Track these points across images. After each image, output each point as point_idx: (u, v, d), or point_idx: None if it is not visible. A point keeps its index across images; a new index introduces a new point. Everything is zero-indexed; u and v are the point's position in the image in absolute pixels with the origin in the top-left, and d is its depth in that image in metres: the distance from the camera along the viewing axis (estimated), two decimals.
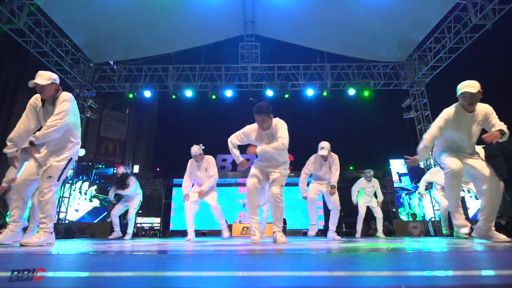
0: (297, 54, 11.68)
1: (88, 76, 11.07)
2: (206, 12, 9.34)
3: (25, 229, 3.70)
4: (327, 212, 17.08)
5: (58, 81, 3.08)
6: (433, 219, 9.99)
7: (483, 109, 3.06)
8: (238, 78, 11.37)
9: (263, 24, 10.41)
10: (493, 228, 3.02)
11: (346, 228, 13.89)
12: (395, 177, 13.27)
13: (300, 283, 0.88)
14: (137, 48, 10.72)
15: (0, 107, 29.82)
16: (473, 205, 10.26)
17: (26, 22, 8.41)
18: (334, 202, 4.95)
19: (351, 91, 11.13)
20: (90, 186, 12.50)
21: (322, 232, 15.71)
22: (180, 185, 19.01)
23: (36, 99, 3.05)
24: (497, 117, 3.03)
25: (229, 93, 11.07)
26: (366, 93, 11.06)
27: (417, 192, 12.39)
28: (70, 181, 10.44)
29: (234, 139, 3.54)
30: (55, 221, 4.53)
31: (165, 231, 16.57)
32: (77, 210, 11.56)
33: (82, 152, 12.32)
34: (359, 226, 7.27)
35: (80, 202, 11.88)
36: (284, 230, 9.36)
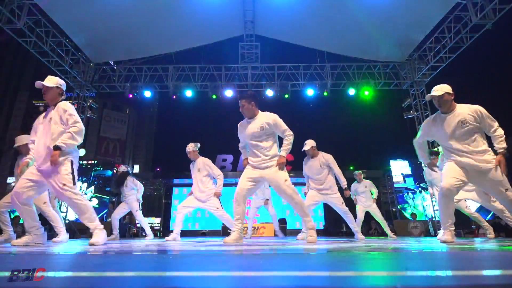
0: (297, 54, 11.68)
1: (88, 76, 11.07)
2: (206, 12, 9.34)
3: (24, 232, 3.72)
4: (327, 212, 17.11)
5: (64, 88, 3.23)
6: (433, 219, 9.99)
7: (466, 109, 3.07)
8: (238, 78, 11.38)
9: (263, 24, 10.41)
10: None
11: (346, 228, 13.88)
12: (399, 178, 13.76)
13: (300, 283, 0.88)
14: (137, 48, 10.72)
15: (1, 106, 29.83)
16: (473, 205, 10.27)
17: (26, 22, 8.42)
18: (341, 209, 4.89)
19: (351, 91, 11.13)
20: (88, 186, 12.62)
21: (322, 232, 15.73)
22: (180, 185, 19.03)
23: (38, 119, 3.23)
24: (489, 119, 3.02)
25: (229, 93, 11.07)
26: (367, 92, 11.05)
27: (418, 191, 13.20)
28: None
29: (241, 143, 3.71)
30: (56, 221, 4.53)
31: (165, 231, 16.58)
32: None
33: (82, 152, 12.35)
34: (358, 228, 7.19)
35: None
36: (284, 230, 9.36)
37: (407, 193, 13.57)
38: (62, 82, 3.22)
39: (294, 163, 15.14)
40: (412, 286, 0.84)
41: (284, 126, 3.44)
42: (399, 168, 13.92)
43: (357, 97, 11.28)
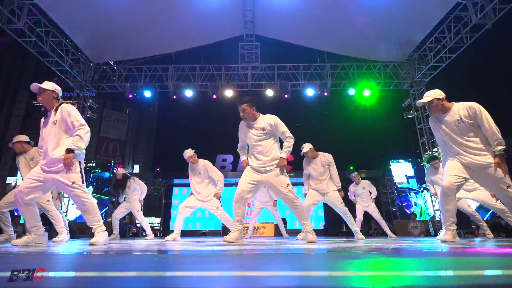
0: (297, 54, 11.68)
1: (88, 76, 11.07)
2: (206, 12, 9.34)
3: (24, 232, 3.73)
4: (327, 212, 17.11)
5: (60, 93, 3.26)
6: (433, 219, 9.99)
7: (461, 107, 3.08)
8: (238, 78, 11.37)
9: (263, 24, 10.41)
10: None
11: (346, 228, 13.87)
12: (403, 179, 14.68)
13: (300, 283, 0.88)
14: (137, 48, 10.72)
15: (1, 106, 29.82)
16: (472, 204, 10.36)
17: (26, 22, 8.41)
18: (340, 209, 4.94)
19: (351, 91, 11.13)
20: (87, 187, 12.90)
21: (322, 232, 15.73)
22: (180, 185, 18.99)
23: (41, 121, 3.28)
24: (485, 119, 2.95)
25: (229, 93, 11.06)
26: (368, 92, 11.05)
27: (420, 191, 14.17)
28: None
29: (239, 143, 3.69)
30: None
31: (165, 231, 16.59)
32: (77, 208, 11.80)
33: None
34: (358, 228, 7.19)
35: None
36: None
37: (410, 193, 14.55)
38: (58, 88, 3.26)
39: (294, 163, 15.12)
40: (413, 286, 0.84)
41: (284, 127, 3.45)
42: (401, 170, 14.81)
43: (357, 97, 11.28)
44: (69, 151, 2.97)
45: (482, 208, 9.62)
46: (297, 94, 11.59)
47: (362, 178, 7.11)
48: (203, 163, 5.25)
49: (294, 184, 3.57)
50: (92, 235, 3.08)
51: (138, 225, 14.06)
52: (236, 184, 3.61)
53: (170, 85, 11.10)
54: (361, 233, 5.26)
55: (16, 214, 8.47)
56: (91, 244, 2.91)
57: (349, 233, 11.35)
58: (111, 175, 15.59)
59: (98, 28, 9.39)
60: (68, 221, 9.59)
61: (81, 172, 3.11)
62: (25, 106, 29.52)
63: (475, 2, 7.99)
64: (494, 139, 2.91)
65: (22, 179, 4.50)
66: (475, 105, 3.03)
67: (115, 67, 11.65)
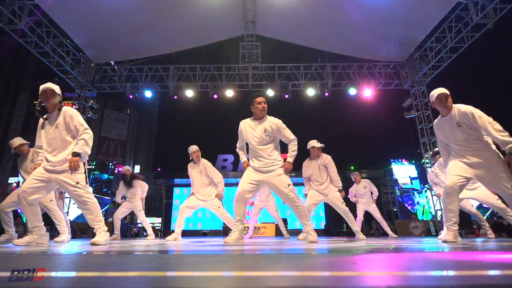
0: (297, 54, 11.67)
1: (89, 76, 11.09)
2: (207, 12, 9.34)
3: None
4: (328, 212, 17.10)
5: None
6: (434, 219, 9.98)
7: (458, 113, 3.06)
8: (238, 78, 11.37)
9: (263, 23, 10.41)
10: None
11: (347, 228, 13.87)
12: (407, 180, 15.70)
13: (301, 283, 0.88)
14: (137, 48, 10.73)
15: (2, 107, 29.89)
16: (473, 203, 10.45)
17: (27, 23, 8.43)
18: (341, 209, 4.96)
19: (352, 91, 11.12)
20: None
21: (323, 232, 15.72)
22: (180, 185, 19.01)
23: (40, 121, 3.27)
24: (482, 124, 2.88)
25: (229, 93, 11.07)
26: (368, 92, 11.04)
27: (423, 191, 15.08)
28: None
29: (238, 144, 3.69)
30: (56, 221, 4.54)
31: (166, 231, 16.61)
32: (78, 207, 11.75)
33: None
34: (358, 228, 7.17)
35: None
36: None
37: (413, 193, 15.42)
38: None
39: (295, 164, 15.11)
40: (413, 286, 0.84)
41: (288, 131, 3.49)
42: (405, 171, 15.91)
43: (358, 97, 11.27)
44: (75, 154, 3.03)
45: (481, 208, 9.61)
46: (298, 94, 11.59)
47: (362, 178, 7.10)
48: (203, 163, 5.27)
49: (295, 184, 3.57)
50: (93, 235, 3.08)
51: (139, 225, 14.08)
52: (237, 184, 3.61)
53: (171, 85, 11.11)
54: (362, 233, 5.26)
55: (19, 211, 8.49)
56: (93, 244, 2.92)
57: (350, 233, 11.35)
58: (110, 176, 15.65)
59: (99, 28, 9.40)
60: (69, 221, 9.63)
61: (85, 172, 3.14)
62: (26, 106, 29.58)
63: (476, 2, 7.98)
64: (499, 141, 2.83)
65: (24, 180, 4.53)
66: (468, 111, 2.98)
67: (116, 68, 11.66)
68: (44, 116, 3.19)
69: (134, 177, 6.55)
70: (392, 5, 8.53)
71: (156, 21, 9.48)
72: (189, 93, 11.04)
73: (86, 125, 3.17)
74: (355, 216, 5.77)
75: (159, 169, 25.29)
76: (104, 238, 3.03)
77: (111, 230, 6.86)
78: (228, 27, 10.52)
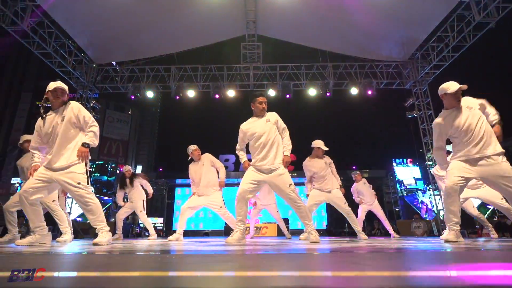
0: (299, 53, 11.67)
1: (91, 77, 11.13)
2: (208, 12, 9.35)
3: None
4: (330, 212, 17.07)
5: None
6: (437, 219, 9.94)
7: (466, 100, 3.21)
8: (240, 78, 11.38)
9: (265, 23, 10.40)
10: None
11: (349, 228, 13.84)
12: (411, 181, 16.55)
13: (302, 283, 0.88)
14: (139, 49, 10.76)
15: (4, 107, 30.03)
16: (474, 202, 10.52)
17: (30, 24, 8.47)
18: (344, 209, 4.99)
19: (354, 91, 11.10)
20: None
21: (325, 232, 15.69)
22: (182, 185, 19.00)
23: (39, 121, 3.26)
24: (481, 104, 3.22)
25: (231, 93, 11.07)
26: (370, 92, 11.01)
27: (427, 191, 15.78)
28: None
29: (239, 146, 3.68)
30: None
31: (168, 231, 16.63)
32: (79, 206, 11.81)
33: None
34: (360, 228, 7.14)
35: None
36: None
37: (417, 191, 16.34)
38: None
39: (296, 163, 15.11)
40: (413, 286, 0.84)
41: (283, 123, 3.59)
42: (409, 173, 16.73)
43: (360, 96, 11.24)
44: (86, 145, 3.07)
45: (482, 207, 9.57)
46: (299, 94, 11.58)
47: (363, 177, 7.09)
48: (205, 155, 5.32)
49: (296, 184, 3.57)
50: (95, 235, 3.09)
51: (141, 225, 14.11)
52: (238, 184, 3.60)
53: (173, 86, 11.13)
54: (363, 233, 5.25)
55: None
56: (95, 244, 2.93)
57: (352, 233, 11.33)
58: (110, 178, 15.69)
59: (100, 29, 9.43)
60: (72, 220, 9.67)
61: (86, 173, 3.13)
62: (28, 107, 29.69)
63: (478, 1, 7.94)
64: (493, 117, 3.18)
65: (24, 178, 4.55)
66: (471, 98, 3.22)
67: (117, 68, 11.70)
68: (44, 116, 3.18)
69: (134, 176, 6.56)
70: (394, 4, 8.51)
71: (158, 21, 9.49)
72: (191, 93, 11.06)
73: (93, 118, 3.23)
74: (356, 215, 5.76)
75: (160, 169, 25.33)
76: (106, 238, 3.03)
77: (113, 231, 6.89)
78: (229, 27, 10.52)
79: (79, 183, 3.02)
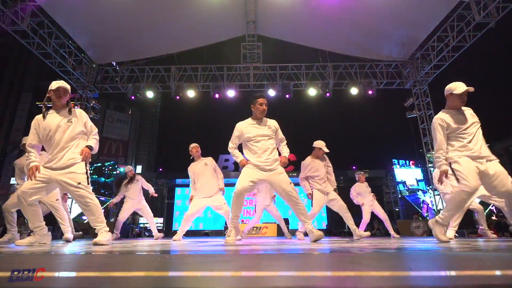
0: (299, 53, 11.68)
1: (91, 77, 11.13)
2: (208, 12, 9.35)
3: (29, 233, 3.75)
4: (330, 212, 17.06)
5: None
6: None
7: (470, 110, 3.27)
8: (240, 78, 11.38)
9: (265, 24, 10.41)
10: None
11: (349, 228, 13.85)
12: (413, 181, 17.10)
13: (301, 283, 0.88)
14: (139, 49, 10.76)
15: (5, 107, 30.04)
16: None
17: (30, 24, 8.47)
18: (340, 206, 5.02)
19: (354, 91, 11.10)
20: None
21: (325, 232, 15.68)
22: (182, 185, 18.97)
23: (37, 119, 3.26)
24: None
25: (231, 93, 11.07)
26: (370, 92, 11.01)
27: (428, 191, 16.25)
28: None
29: (233, 144, 3.64)
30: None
31: (168, 231, 16.62)
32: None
33: None
34: (362, 227, 7.14)
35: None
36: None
37: (418, 191, 17.00)
38: None
39: (296, 163, 15.11)
40: (413, 286, 0.84)
41: (282, 133, 3.67)
42: (411, 174, 17.26)
43: (360, 96, 11.24)
44: (90, 147, 3.20)
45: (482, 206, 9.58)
46: (299, 94, 11.58)
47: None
48: (210, 158, 5.38)
49: (295, 184, 3.57)
50: (94, 235, 3.09)
51: (141, 225, 14.12)
52: None
53: (173, 86, 11.13)
54: (358, 229, 5.31)
55: None
56: (95, 244, 2.93)
57: (352, 233, 11.31)
58: (107, 180, 15.70)
59: (100, 29, 9.43)
60: (73, 219, 9.67)
61: (86, 173, 3.13)
62: (28, 107, 29.69)
63: (478, 1, 7.95)
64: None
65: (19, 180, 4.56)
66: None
67: (117, 68, 11.70)
68: (45, 115, 3.18)
69: (135, 176, 6.58)
70: (394, 4, 8.51)
71: (158, 21, 9.50)
72: (191, 93, 11.06)
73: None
74: (357, 217, 5.78)
75: (160, 169, 25.34)
76: (106, 238, 3.03)
77: (112, 230, 6.88)
78: (229, 27, 10.52)
79: (79, 183, 3.02)
